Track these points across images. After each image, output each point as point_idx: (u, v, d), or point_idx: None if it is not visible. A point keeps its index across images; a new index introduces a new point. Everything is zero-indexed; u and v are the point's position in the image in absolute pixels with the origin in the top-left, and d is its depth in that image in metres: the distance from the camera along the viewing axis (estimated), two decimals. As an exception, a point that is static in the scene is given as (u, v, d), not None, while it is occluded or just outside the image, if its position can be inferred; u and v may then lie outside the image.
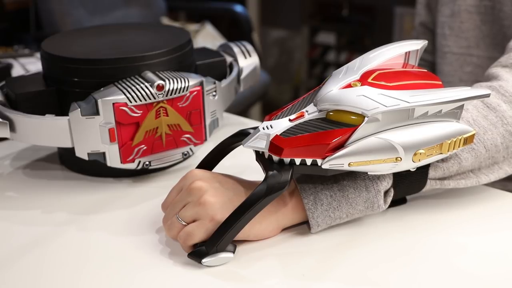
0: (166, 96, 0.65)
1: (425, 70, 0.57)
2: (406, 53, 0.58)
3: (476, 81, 0.84)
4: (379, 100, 0.50)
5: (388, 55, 0.57)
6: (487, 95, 0.52)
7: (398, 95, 0.50)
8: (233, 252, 0.54)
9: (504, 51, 0.71)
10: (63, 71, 0.67)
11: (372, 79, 0.53)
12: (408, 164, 0.53)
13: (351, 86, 0.52)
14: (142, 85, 0.64)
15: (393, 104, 0.49)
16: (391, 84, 0.52)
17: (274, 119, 0.54)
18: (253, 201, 0.51)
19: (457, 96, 0.50)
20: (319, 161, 0.51)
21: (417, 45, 0.58)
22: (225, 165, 0.62)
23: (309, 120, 0.53)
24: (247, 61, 0.81)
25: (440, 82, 0.54)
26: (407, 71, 0.56)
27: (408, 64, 0.58)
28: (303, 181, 0.57)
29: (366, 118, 0.50)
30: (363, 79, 0.53)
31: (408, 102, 0.49)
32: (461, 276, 0.52)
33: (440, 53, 0.91)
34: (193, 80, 0.68)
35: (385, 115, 0.50)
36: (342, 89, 0.52)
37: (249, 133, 0.56)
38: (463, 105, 0.53)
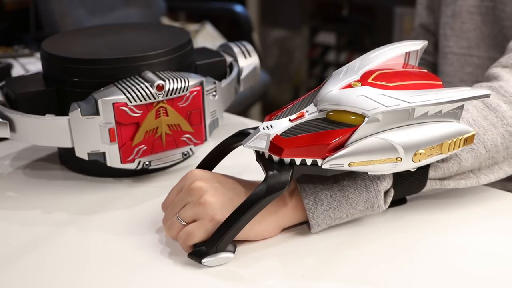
0: (166, 96, 0.65)
1: (425, 70, 0.57)
2: (406, 53, 0.58)
3: (477, 82, 0.84)
4: (379, 100, 0.50)
5: (388, 55, 0.57)
6: (488, 95, 0.52)
7: (398, 95, 0.50)
8: (233, 252, 0.54)
9: (504, 51, 0.71)
10: (63, 71, 0.67)
11: (372, 79, 0.53)
12: (408, 164, 0.53)
13: (351, 86, 0.52)
14: (142, 85, 0.64)
15: (393, 104, 0.49)
16: (391, 84, 0.52)
17: (274, 119, 0.54)
18: (253, 201, 0.51)
19: (458, 96, 0.50)
20: (319, 161, 0.51)
21: (417, 45, 0.58)
22: (225, 165, 0.62)
23: (309, 120, 0.53)
24: (247, 61, 0.81)
25: (440, 82, 0.54)
26: (407, 71, 0.56)
27: (408, 65, 0.58)
28: (303, 181, 0.57)
29: (366, 118, 0.50)
30: (363, 79, 0.53)
31: (409, 102, 0.49)
32: (460, 276, 0.52)
33: (442, 54, 0.91)
34: (193, 80, 0.68)
35: (385, 115, 0.50)
36: (342, 89, 0.52)
37: (249, 133, 0.56)
38: (463, 105, 0.53)
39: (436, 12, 0.96)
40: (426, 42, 0.59)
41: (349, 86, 0.52)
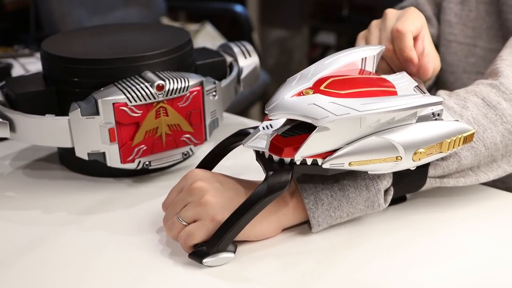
0: (166, 96, 0.65)
1: (381, 77, 0.56)
2: (362, 59, 0.57)
3: (479, 73, 0.83)
4: (329, 109, 0.49)
5: (343, 61, 0.56)
6: (439, 103, 0.51)
7: (349, 103, 0.49)
8: (234, 252, 0.54)
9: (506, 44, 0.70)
10: (63, 71, 0.67)
11: (324, 87, 0.52)
12: (408, 163, 0.53)
13: (303, 94, 0.51)
14: (142, 85, 0.64)
15: (343, 113, 0.48)
16: (343, 92, 0.51)
17: (274, 119, 0.54)
18: (254, 201, 0.51)
19: (409, 104, 0.49)
20: (319, 161, 0.51)
21: (374, 50, 0.58)
22: (225, 165, 0.62)
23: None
24: (247, 61, 0.81)
25: (395, 89, 0.53)
26: (362, 78, 0.55)
27: (364, 70, 0.57)
28: (304, 181, 0.57)
29: (317, 127, 0.49)
30: (316, 87, 0.52)
31: (359, 111, 0.48)
32: (460, 275, 0.52)
33: (444, 41, 0.89)
34: (193, 80, 0.68)
35: (336, 123, 0.49)
36: (293, 97, 0.51)
37: (249, 133, 0.56)
38: (416, 112, 0.51)
39: None
40: (383, 47, 0.58)
41: (301, 93, 0.52)
